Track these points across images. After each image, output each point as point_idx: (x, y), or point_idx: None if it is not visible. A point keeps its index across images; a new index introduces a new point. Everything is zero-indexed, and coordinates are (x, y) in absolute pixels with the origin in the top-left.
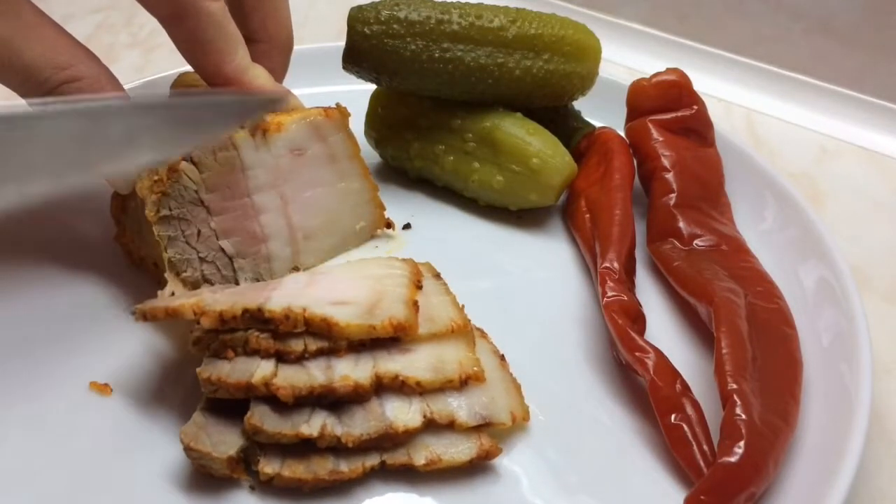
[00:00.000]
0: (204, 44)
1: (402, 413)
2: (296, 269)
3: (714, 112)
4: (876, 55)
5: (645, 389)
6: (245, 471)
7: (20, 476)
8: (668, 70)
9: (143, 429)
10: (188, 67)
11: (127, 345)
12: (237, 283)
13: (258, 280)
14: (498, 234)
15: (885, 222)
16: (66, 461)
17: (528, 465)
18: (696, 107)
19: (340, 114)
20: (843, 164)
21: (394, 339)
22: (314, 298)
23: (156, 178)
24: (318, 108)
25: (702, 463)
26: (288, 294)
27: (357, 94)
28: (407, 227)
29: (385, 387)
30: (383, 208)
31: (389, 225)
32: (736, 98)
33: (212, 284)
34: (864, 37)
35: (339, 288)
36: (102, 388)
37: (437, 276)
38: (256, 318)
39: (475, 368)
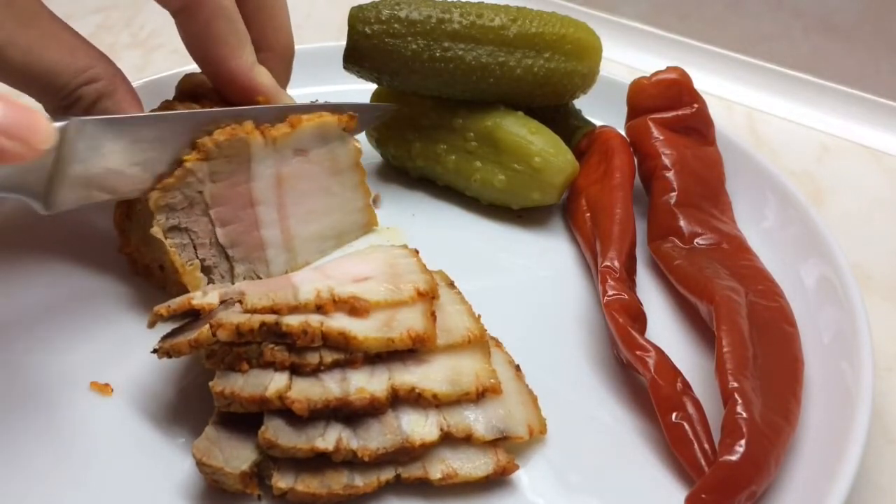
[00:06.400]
0: (214, 37)
1: (419, 426)
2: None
3: (715, 110)
4: (876, 53)
5: (646, 388)
6: (258, 486)
7: (25, 486)
8: (669, 68)
9: (155, 441)
10: (187, 68)
11: (136, 354)
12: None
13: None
14: (499, 232)
15: (886, 220)
16: (75, 474)
17: (529, 463)
18: (696, 105)
19: (350, 120)
20: (843, 162)
21: (410, 349)
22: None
23: (169, 181)
24: (329, 112)
25: (703, 461)
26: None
27: (358, 93)
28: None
29: (401, 399)
30: (374, 213)
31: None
32: (736, 96)
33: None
34: (865, 35)
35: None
36: (103, 388)
37: (451, 284)
38: (273, 332)
39: (492, 381)
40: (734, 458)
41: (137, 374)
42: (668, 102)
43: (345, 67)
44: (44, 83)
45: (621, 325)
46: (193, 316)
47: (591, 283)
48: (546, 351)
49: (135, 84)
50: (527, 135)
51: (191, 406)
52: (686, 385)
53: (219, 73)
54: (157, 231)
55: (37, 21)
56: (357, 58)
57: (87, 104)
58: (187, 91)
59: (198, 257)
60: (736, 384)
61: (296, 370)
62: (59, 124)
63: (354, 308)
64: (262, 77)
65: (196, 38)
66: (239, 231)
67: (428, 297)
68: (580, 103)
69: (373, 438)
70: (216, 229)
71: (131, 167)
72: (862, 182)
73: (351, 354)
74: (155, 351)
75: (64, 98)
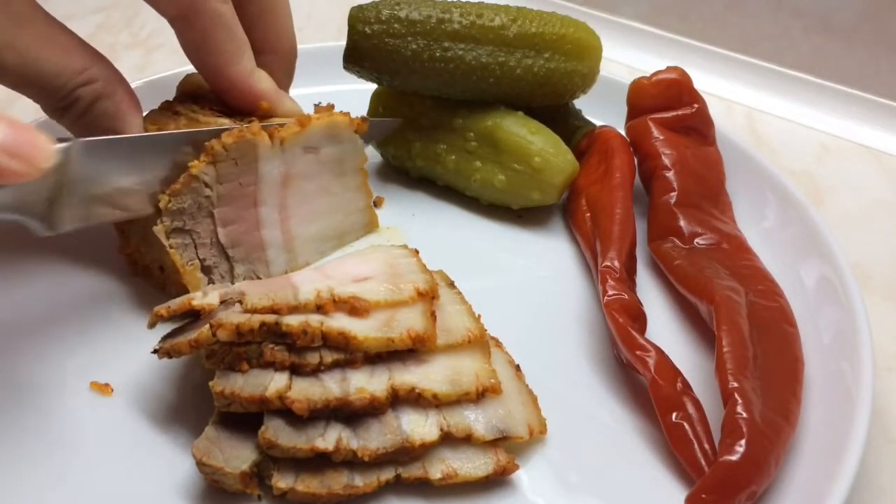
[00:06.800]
0: (211, 45)
1: (419, 426)
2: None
3: (715, 110)
4: (876, 53)
5: (646, 388)
6: (258, 486)
7: (25, 486)
8: (669, 68)
9: (155, 441)
10: (188, 68)
11: (136, 354)
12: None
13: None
14: (499, 232)
15: (886, 220)
16: (75, 474)
17: (529, 463)
18: (696, 105)
19: (362, 122)
20: (843, 161)
21: (410, 349)
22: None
23: (175, 187)
24: (342, 112)
25: (703, 461)
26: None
27: (358, 93)
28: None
29: (401, 399)
30: (375, 214)
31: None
32: (736, 96)
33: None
34: (865, 35)
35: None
36: (103, 388)
37: (451, 284)
38: (273, 332)
39: (492, 381)
40: (734, 458)
41: (137, 374)
42: (668, 102)
43: (345, 67)
44: (41, 85)
45: (621, 325)
46: (193, 316)
47: (591, 283)
48: (546, 351)
49: (135, 84)
50: (527, 135)
51: (191, 406)
52: (686, 385)
53: (218, 80)
54: (159, 230)
55: (33, 23)
56: (357, 58)
57: (84, 105)
58: (188, 92)
59: (198, 257)
60: (736, 384)
61: (296, 370)
62: (61, 145)
63: (354, 308)
64: (262, 83)
65: (194, 46)
66: (240, 231)
67: (428, 297)
68: (580, 103)
69: (373, 438)
70: (218, 229)
71: (133, 186)
72: (862, 182)
73: (351, 354)
74: (155, 351)
75: (62, 99)
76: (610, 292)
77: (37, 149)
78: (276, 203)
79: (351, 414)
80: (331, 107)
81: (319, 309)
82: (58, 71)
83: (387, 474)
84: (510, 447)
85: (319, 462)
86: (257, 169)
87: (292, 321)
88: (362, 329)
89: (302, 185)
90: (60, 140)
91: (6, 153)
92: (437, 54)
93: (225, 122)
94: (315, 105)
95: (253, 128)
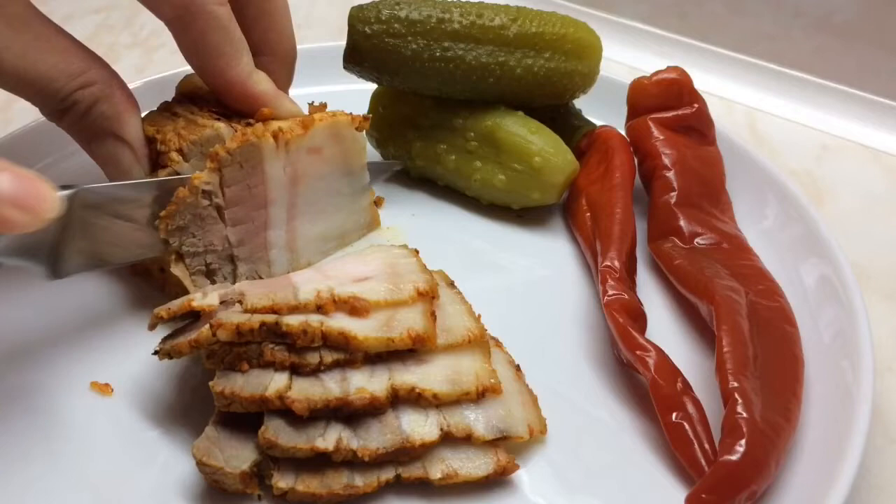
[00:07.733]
0: (209, 47)
1: (419, 426)
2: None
3: (715, 110)
4: (876, 52)
5: (646, 388)
6: (258, 485)
7: (25, 486)
8: (669, 68)
9: (155, 441)
10: (188, 69)
11: (136, 354)
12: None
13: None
14: (499, 232)
15: (886, 219)
16: (75, 474)
17: (530, 463)
18: (696, 105)
19: (364, 120)
20: (843, 161)
21: (410, 349)
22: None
23: (170, 208)
24: (343, 112)
25: (703, 461)
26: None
27: (358, 93)
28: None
29: (401, 399)
30: (377, 213)
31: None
32: (736, 96)
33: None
34: (865, 34)
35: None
36: (103, 388)
37: (451, 284)
38: (273, 332)
39: (492, 380)
40: (734, 457)
41: (137, 374)
42: (669, 102)
43: (345, 67)
44: (39, 88)
45: (621, 324)
46: (194, 317)
47: (591, 283)
48: (546, 351)
49: (135, 84)
50: (527, 135)
51: (191, 406)
52: (686, 385)
53: (216, 82)
54: (177, 269)
55: (30, 26)
56: (357, 58)
57: (83, 109)
58: (187, 93)
59: (205, 262)
60: (736, 384)
61: (296, 370)
62: (65, 193)
63: (354, 308)
64: (261, 84)
65: (191, 48)
66: (247, 231)
67: (428, 296)
68: (580, 103)
69: (373, 438)
70: (228, 228)
71: (137, 229)
72: (862, 181)
73: (351, 354)
74: (156, 352)
75: (60, 102)
76: (610, 292)
77: (41, 199)
78: (285, 202)
79: (351, 414)
80: (323, 105)
81: (319, 309)
82: (55, 74)
83: (387, 474)
84: (510, 447)
85: (319, 462)
86: (263, 170)
87: (292, 321)
88: (362, 329)
89: (312, 183)
90: (64, 187)
91: (11, 204)
92: (437, 54)
93: (221, 125)
94: (309, 104)
95: (257, 130)
